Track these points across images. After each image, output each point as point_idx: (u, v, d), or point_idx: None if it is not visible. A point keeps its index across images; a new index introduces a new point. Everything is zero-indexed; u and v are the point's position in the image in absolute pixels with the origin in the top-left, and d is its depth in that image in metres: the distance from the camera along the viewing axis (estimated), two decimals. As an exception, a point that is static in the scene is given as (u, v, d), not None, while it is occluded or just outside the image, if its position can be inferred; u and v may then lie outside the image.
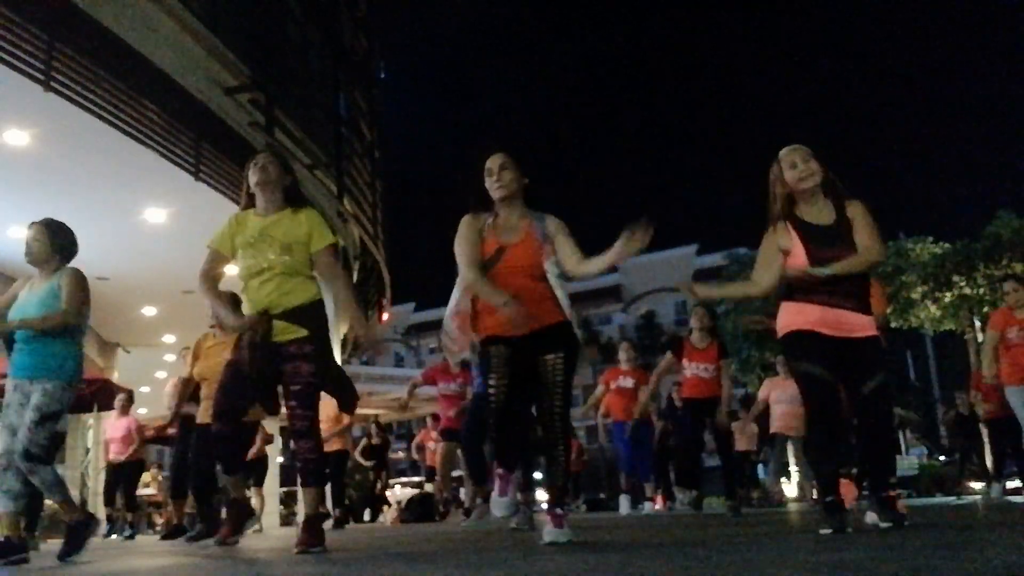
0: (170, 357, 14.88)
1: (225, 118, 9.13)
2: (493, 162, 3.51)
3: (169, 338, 13.97)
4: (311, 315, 3.60)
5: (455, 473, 9.98)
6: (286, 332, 3.55)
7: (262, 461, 9.00)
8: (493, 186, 3.49)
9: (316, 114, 12.75)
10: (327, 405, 9.14)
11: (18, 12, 6.41)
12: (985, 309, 17.60)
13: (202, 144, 8.56)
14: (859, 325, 3.35)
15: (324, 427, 9.02)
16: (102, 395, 10.43)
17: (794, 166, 3.46)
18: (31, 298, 4.04)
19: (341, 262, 3.77)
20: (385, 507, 12.24)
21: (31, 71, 6.51)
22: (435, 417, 10.77)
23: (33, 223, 4.16)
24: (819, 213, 3.47)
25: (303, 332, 3.55)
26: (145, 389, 15.33)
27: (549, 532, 3.21)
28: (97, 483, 11.96)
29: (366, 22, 16.77)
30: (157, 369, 15.50)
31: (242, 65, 9.55)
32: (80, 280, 4.04)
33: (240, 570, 2.79)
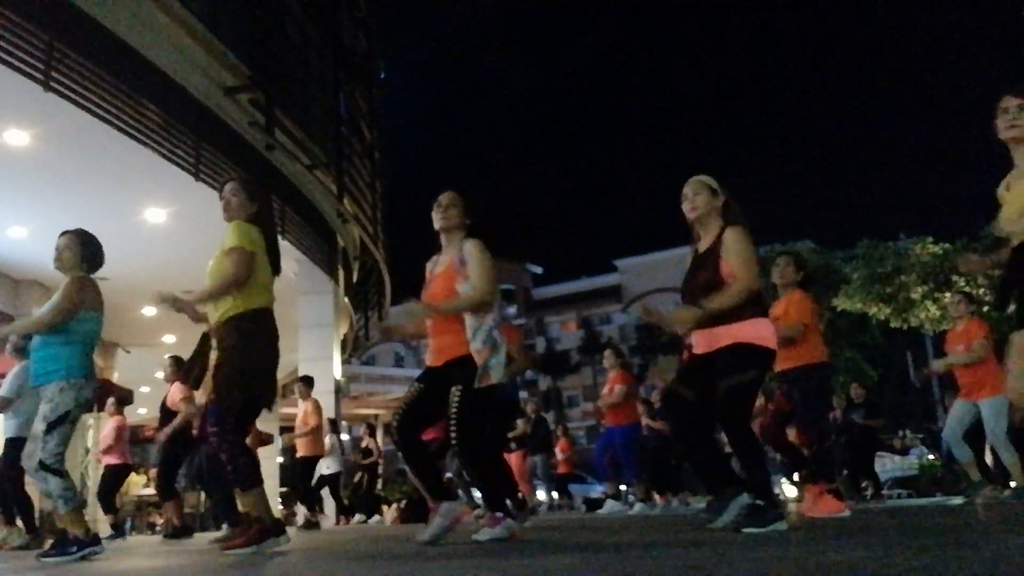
0: (170, 357, 14.89)
1: (225, 118, 9.12)
2: (444, 198, 3.85)
3: (169, 338, 13.97)
4: (226, 330, 3.68)
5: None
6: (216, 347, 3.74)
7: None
8: (437, 217, 3.83)
9: (316, 114, 12.74)
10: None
11: (18, 12, 6.41)
12: (985, 309, 17.61)
13: (202, 144, 8.56)
14: (723, 337, 3.50)
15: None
16: (102, 395, 10.45)
17: (685, 198, 3.73)
18: (45, 305, 4.19)
19: (240, 267, 3.65)
20: (384, 507, 12.23)
21: (31, 71, 6.50)
22: None
23: (65, 232, 4.29)
24: (704, 241, 3.71)
25: (220, 347, 3.70)
26: (145, 389, 15.33)
27: (479, 532, 3.57)
28: (96, 484, 11.93)
29: (366, 22, 16.76)
30: (157, 369, 15.49)
31: (242, 65, 9.54)
32: (75, 283, 4.13)
33: (238, 570, 2.80)
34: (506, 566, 2.26)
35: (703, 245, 3.68)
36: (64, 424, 3.97)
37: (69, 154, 7.85)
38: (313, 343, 12.31)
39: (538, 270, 57.77)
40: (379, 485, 12.58)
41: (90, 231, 4.36)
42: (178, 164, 8.19)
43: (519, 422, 9.74)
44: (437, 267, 3.84)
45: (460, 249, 3.70)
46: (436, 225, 3.83)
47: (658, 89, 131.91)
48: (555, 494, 14.45)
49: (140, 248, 9.82)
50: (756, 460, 3.59)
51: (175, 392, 7.18)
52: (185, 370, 7.11)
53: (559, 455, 13.34)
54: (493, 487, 3.76)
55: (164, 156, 7.97)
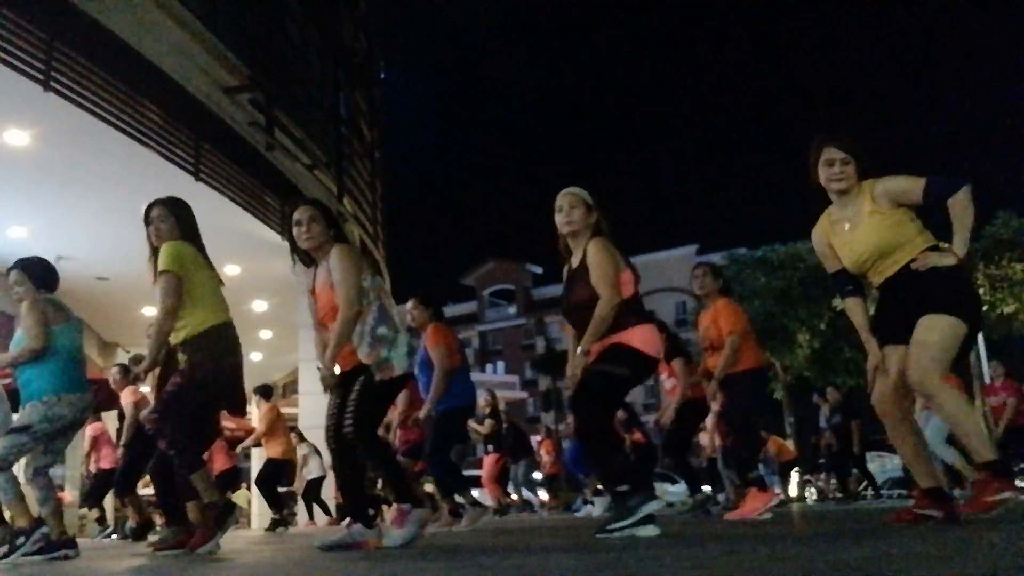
0: (170, 357, 14.88)
1: (225, 118, 9.13)
2: (301, 214, 3.61)
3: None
4: (188, 349, 3.78)
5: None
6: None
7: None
8: (302, 237, 3.61)
9: (316, 114, 12.75)
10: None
11: (18, 12, 6.42)
12: (984, 308, 17.60)
13: (202, 144, 8.57)
14: (594, 351, 3.46)
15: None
16: (102, 395, 10.46)
17: (560, 210, 3.57)
18: (19, 332, 4.26)
19: (166, 295, 3.75)
20: (384, 507, 12.24)
21: (31, 71, 6.51)
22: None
23: (11, 269, 4.32)
24: (576, 256, 3.59)
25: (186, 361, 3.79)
26: (145, 389, 15.33)
27: (386, 536, 3.51)
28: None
29: (366, 22, 16.77)
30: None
31: (242, 65, 9.55)
32: (32, 307, 4.19)
33: (234, 570, 2.80)
34: (505, 566, 2.26)
35: (575, 260, 3.61)
36: (22, 434, 4.09)
37: (69, 154, 7.86)
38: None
39: (538, 270, 57.74)
40: (379, 485, 12.59)
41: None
42: (178, 164, 8.19)
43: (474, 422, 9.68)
44: (316, 283, 3.71)
45: (328, 263, 3.58)
46: (303, 247, 3.65)
47: (658, 90, 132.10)
48: (544, 495, 14.43)
49: (140, 248, 9.79)
50: (604, 449, 3.43)
51: (126, 396, 7.49)
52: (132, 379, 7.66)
53: (544, 456, 13.34)
54: (396, 478, 3.68)
55: (164, 156, 7.98)
